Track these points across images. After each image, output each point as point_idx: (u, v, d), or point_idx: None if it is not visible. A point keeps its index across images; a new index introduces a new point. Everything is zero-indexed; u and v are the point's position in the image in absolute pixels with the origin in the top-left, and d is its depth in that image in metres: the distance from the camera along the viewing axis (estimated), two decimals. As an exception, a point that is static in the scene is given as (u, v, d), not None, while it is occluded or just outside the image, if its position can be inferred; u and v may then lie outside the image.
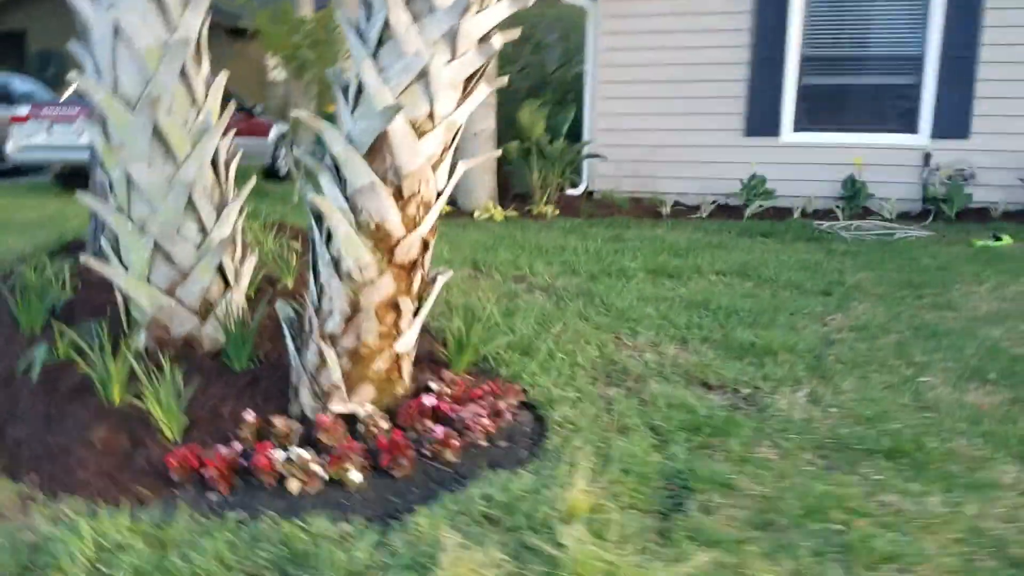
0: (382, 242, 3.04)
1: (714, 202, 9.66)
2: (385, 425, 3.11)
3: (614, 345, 4.58)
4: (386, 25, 2.85)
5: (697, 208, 9.59)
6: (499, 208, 9.02)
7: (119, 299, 3.82)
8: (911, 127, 9.48)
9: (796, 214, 9.23)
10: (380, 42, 2.91)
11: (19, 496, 2.94)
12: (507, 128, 10.01)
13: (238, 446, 2.99)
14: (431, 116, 2.95)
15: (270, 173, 13.87)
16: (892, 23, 9.48)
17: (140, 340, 3.74)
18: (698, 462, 3.13)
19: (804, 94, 9.76)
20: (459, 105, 3.03)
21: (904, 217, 9.12)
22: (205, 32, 3.76)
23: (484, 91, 3.10)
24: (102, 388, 3.37)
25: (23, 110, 11.94)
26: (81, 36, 3.69)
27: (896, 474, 3.07)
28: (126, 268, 3.69)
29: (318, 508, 2.75)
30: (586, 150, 10.20)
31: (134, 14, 3.43)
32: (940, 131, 9.33)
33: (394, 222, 3.02)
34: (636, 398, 3.82)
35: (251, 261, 4.01)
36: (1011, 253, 7.14)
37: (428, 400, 3.27)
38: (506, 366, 4.03)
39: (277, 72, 15.98)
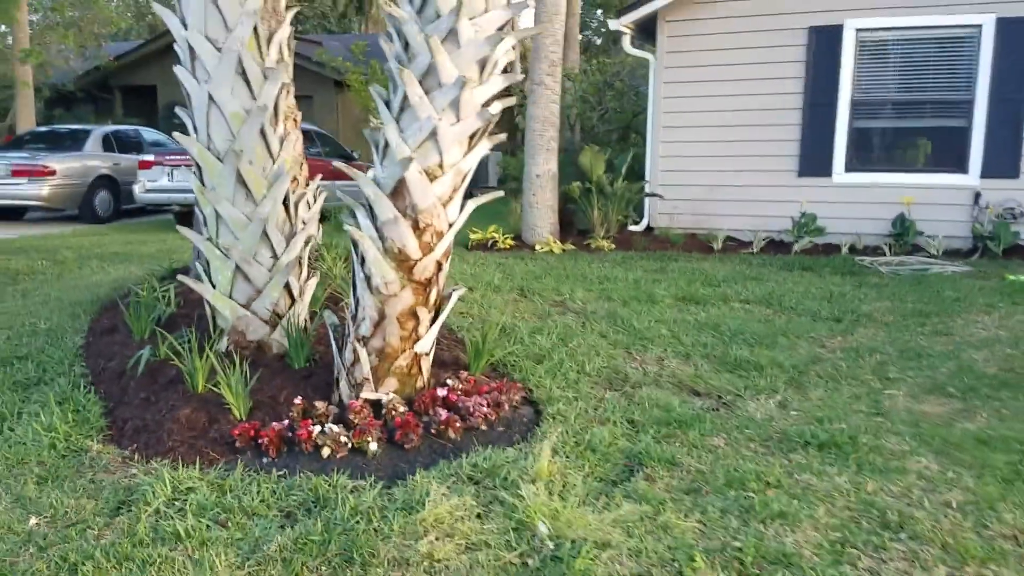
0: (403, 263, 3.84)
1: (766, 239, 10.16)
2: (402, 409, 3.87)
3: (623, 358, 5.23)
4: (405, 97, 3.67)
5: (749, 244, 10.11)
6: (558, 243, 9.77)
7: (208, 311, 4.74)
8: (961, 167, 9.78)
9: (844, 250, 9.65)
10: (401, 109, 3.74)
11: (122, 458, 3.82)
12: (574, 169, 10.80)
13: (286, 423, 3.81)
14: (440, 165, 3.75)
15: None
16: (941, 68, 9.83)
17: (223, 344, 4.63)
18: (656, 446, 3.77)
19: (855, 136, 10.19)
20: (465, 156, 3.81)
21: (953, 254, 9.41)
22: (283, 99, 4.67)
23: (486, 145, 3.87)
24: (189, 379, 4.26)
25: (149, 157, 13.43)
26: (186, 102, 4.66)
27: (820, 461, 3.64)
28: (214, 286, 4.60)
29: (342, 469, 3.53)
30: (647, 189, 10.87)
31: (225, 88, 4.36)
32: (990, 171, 9.60)
33: (412, 247, 3.82)
34: (626, 399, 4.48)
35: (313, 281, 4.88)
36: (1041, 287, 7.41)
37: (440, 391, 4.02)
38: (519, 371, 4.76)
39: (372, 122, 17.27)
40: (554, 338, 5.51)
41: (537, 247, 9.78)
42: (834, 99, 10.10)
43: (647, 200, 11.10)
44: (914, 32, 9.80)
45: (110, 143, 15.34)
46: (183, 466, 3.61)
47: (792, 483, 3.41)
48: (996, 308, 6.51)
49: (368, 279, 3.88)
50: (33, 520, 3.16)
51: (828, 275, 8.25)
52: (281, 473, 3.51)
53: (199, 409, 4.09)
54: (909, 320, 6.21)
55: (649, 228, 11.17)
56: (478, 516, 3.14)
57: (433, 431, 3.82)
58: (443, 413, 3.84)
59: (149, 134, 16.73)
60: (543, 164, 9.81)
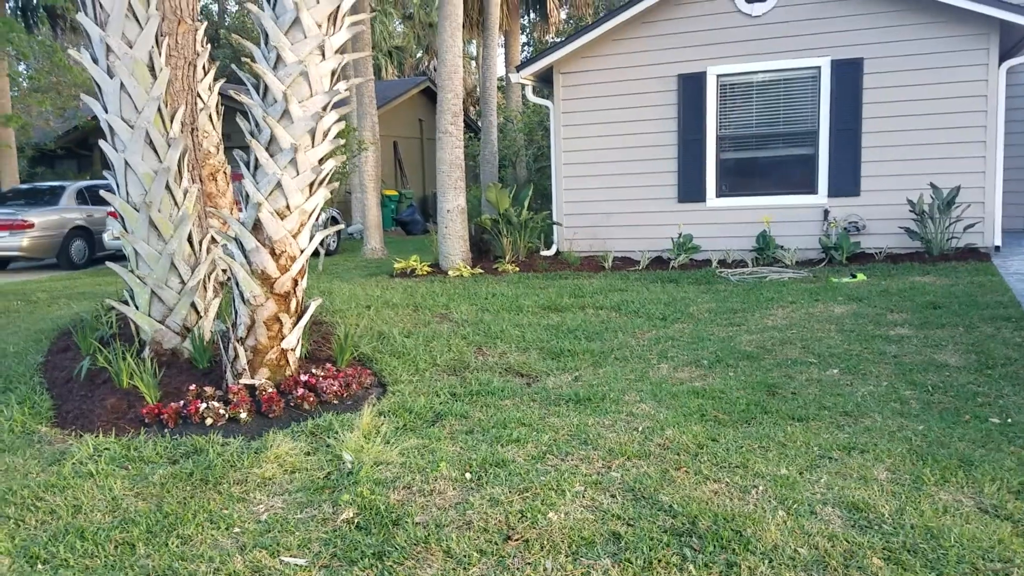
0: (266, 281, 5.07)
1: (653, 257, 11.46)
2: (271, 390, 5.08)
3: (472, 353, 6.46)
4: (257, 159, 4.93)
5: (636, 262, 11.40)
6: (468, 268, 11.02)
7: (133, 327, 5.95)
8: (812, 188, 11.13)
9: (714, 264, 10.95)
10: (256, 167, 4.99)
11: (62, 435, 4.99)
12: (485, 204, 12.09)
13: (182, 403, 5.01)
14: (287, 207, 5.00)
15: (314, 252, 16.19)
16: (790, 104, 11.22)
17: (146, 352, 5.84)
18: (458, 406, 4.99)
19: (723, 167, 11.54)
20: (307, 200, 5.07)
21: (806, 263, 10.72)
22: (185, 160, 5.92)
23: (324, 192, 5.12)
24: (116, 378, 5.45)
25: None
26: (108, 166, 5.90)
27: (570, 410, 4.87)
28: (136, 307, 5.81)
29: (219, 432, 4.73)
30: (554, 218, 12.17)
31: (137, 155, 5.61)
32: (835, 191, 10.96)
33: (272, 268, 5.05)
34: (459, 380, 5.70)
35: (217, 300, 6.10)
36: (856, 287, 8.68)
37: (303, 377, 5.24)
38: (379, 363, 5.98)
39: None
40: (420, 339, 6.75)
41: (450, 272, 11.02)
42: (703, 135, 11.46)
43: (555, 227, 12.39)
44: (766, 75, 11.19)
45: (83, 197, 16.52)
46: (104, 436, 4.80)
47: (540, 423, 4.64)
48: (795, 304, 7.80)
49: (241, 294, 5.12)
50: (-11, 471, 4.34)
51: (685, 285, 9.51)
52: (174, 437, 4.71)
53: (122, 399, 5.29)
54: (718, 316, 7.47)
55: (557, 252, 12.45)
56: (307, 453, 4.35)
57: (292, 404, 5.03)
58: (300, 391, 5.06)
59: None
60: (452, 200, 11.09)
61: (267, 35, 4.87)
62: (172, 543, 3.40)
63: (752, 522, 3.27)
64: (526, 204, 11.84)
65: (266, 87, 4.88)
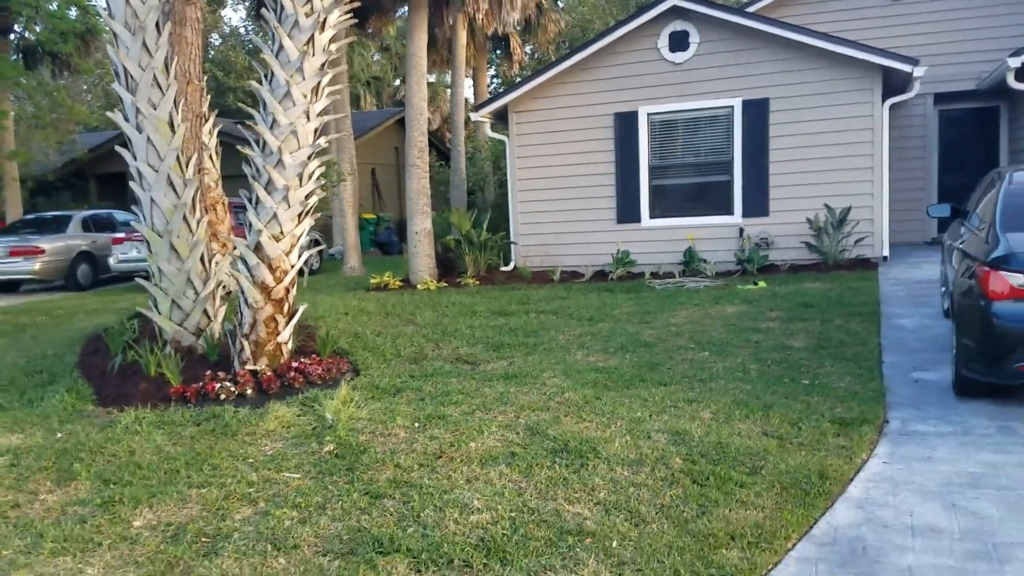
0: (264, 290, 6.46)
1: (596, 270, 12.92)
2: (269, 373, 6.45)
3: (430, 347, 7.84)
4: (258, 196, 6.33)
5: (582, 275, 12.85)
6: (435, 282, 12.42)
7: (157, 330, 7.30)
8: (729, 210, 12.65)
9: (647, 276, 12.42)
10: (257, 202, 6.39)
11: (106, 411, 6.33)
12: (450, 226, 13.52)
13: (201, 384, 6.36)
14: (281, 233, 6.40)
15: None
16: (710, 138, 12.75)
17: (167, 349, 7.18)
18: (415, 383, 6.37)
19: (655, 192, 13.04)
20: (296, 227, 6.47)
21: (724, 274, 12.19)
22: (198, 195, 7.29)
23: (310, 221, 6.52)
24: (146, 368, 6.80)
25: (120, 234, 15.94)
26: (136, 201, 7.26)
27: (498, 383, 6.26)
28: (160, 313, 7.17)
29: (230, 404, 6.08)
30: (511, 238, 13.62)
31: (160, 192, 6.99)
32: (748, 212, 12.48)
33: (269, 280, 6.44)
34: (417, 367, 7.08)
35: (224, 307, 7.46)
36: (754, 293, 10.14)
37: (294, 364, 6.62)
38: (354, 355, 7.36)
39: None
40: (388, 338, 8.14)
41: (419, 286, 12.42)
42: (637, 165, 12.96)
43: (512, 246, 13.83)
44: (689, 113, 12.73)
45: (88, 225, 17.77)
46: (141, 410, 6.15)
47: (475, 392, 6.03)
48: (698, 306, 9.26)
49: (246, 299, 6.50)
50: (59, 435, 5.68)
51: (618, 293, 10.96)
52: (197, 408, 6.06)
53: (151, 384, 6.64)
54: (635, 317, 8.92)
55: (514, 268, 13.87)
56: (298, 415, 5.73)
57: (286, 384, 6.40)
58: (292, 374, 6.44)
59: (120, 215, 19.18)
60: (420, 224, 12.53)
61: (265, 103, 6.29)
62: (205, 468, 4.77)
63: (604, 442, 4.70)
64: (484, 226, 13.29)
65: (265, 142, 6.29)
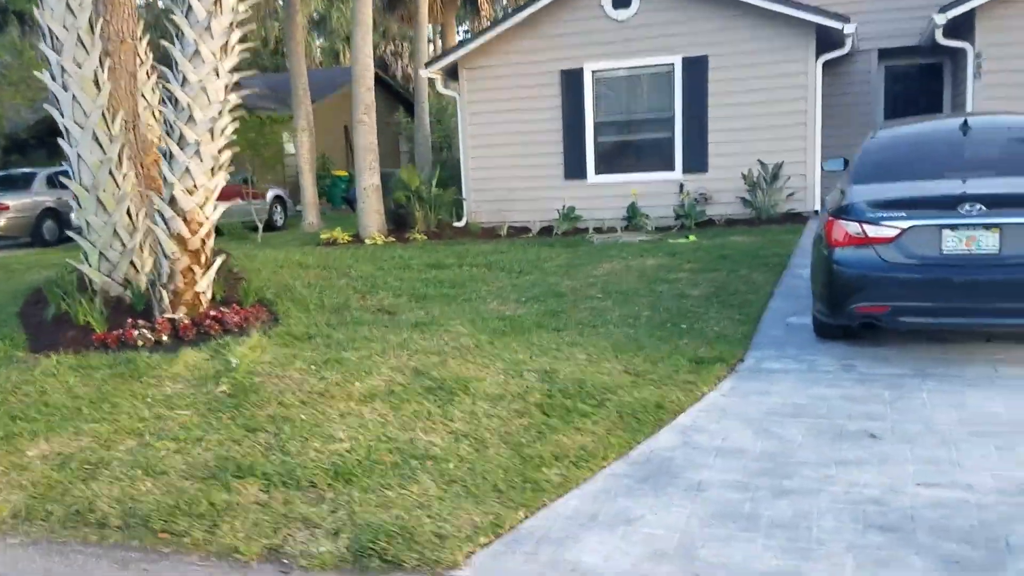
0: (181, 241, 6.71)
1: (543, 226, 13.18)
2: (187, 321, 6.73)
3: (356, 299, 8.12)
4: (171, 151, 6.54)
5: (530, 231, 13.11)
6: (382, 237, 12.67)
7: (87, 281, 7.55)
8: (670, 166, 12.88)
9: (591, 231, 12.68)
10: (171, 156, 6.61)
11: (34, 357, 6.60)
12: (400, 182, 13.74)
13: (121, 331, 6.64)
14: (195, 186, 6.63)
15: (270, 224, 17.64)
16: (653, 95, 12.93)
17: (97, 300, 7.44)
18: (327, 331, 6.66)
19: (600, 149, 13.25)
20: (210, 180, 6.70)
21: (665, 229, 12.46)
22: (125, 151, 7.49)
23: (223, 175, 6.75)
24: (74, 317, 7.06)
25: (83, 191, 16.06)
26: (66, 157, 7.45)
27: (407, 330, 6.55)
28: (89, 265, 7.41)
29: (147, 349, 6.37)
30: (463, 194, 13.84)
31: (86, 148, 7.18)
32: (688, 168, 12.73)
33: (184, 232, 6.69)
34: (337, 316, 7.36)
35: (150, 260, 7.71)
36: (682, 246, 10.40)
37: (212, 312, 6.89)
38: (277, 305, 7.63)
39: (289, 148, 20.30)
40: (317, 289, 8.40)
41: (367, 241, 12.66)
42: (582, 122, 13.15)
43: (464, 202, 14.05)
44: (632, 70, 12.90)
45: (53, 181, 17.86)
46: (65, 355, 6.42)
47: (380, 339, 6.32)
48: (624, 259, 9.55)
49: (163, 251, 6.75)
50: (-20, 376, 5.96)
51: (557, 247, 11.21)
52: (115, 353, 6.35)
53: (79, 332, 6.91)
54: (561, 269, 9.20)
55: (466, 224, 14.11)
56: (206, 360, 6.01)
57: (203, 332, 6.68)
58: (208, 322, 6.72)
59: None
60: (368, 180, 12.73)
61: (176, 62, 6.48)
62: (105, 407, 5.07)
63: (478, 380, 5.02)
64: (433, 182, 13.50)
65: (176, 99, 6.49)
